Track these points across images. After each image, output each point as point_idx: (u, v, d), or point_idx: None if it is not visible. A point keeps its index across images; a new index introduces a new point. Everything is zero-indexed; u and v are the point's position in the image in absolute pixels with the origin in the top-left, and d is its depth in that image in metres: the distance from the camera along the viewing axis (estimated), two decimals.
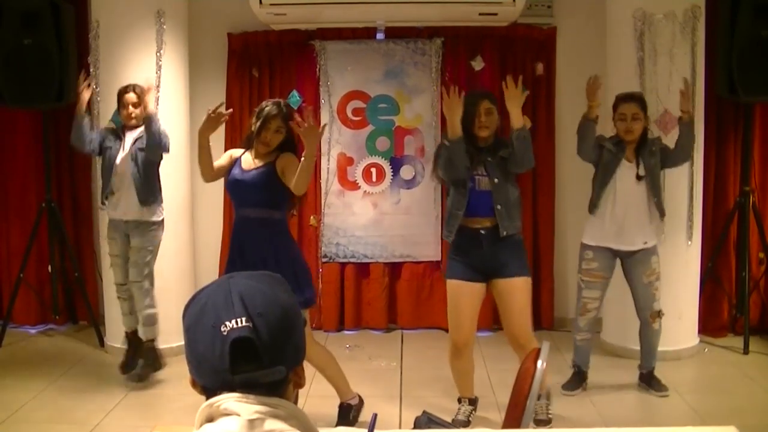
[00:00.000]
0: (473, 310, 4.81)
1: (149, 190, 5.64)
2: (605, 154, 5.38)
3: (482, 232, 4.70)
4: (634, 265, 5.40)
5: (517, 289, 4.71)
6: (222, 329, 1.48)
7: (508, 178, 4.71)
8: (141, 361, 5.77)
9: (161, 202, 5.74)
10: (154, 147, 5.55)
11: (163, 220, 5.74)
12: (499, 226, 4.66)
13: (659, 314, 5.43)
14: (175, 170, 6.28)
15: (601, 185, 5.38)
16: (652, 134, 5.83)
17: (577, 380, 5.55)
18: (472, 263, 4.75)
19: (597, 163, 5.43)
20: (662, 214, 5.41)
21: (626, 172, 5.34)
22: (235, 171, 4.70)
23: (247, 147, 4.76)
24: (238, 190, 4.72)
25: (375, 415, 1.90)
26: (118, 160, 5.61)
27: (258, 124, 4.58)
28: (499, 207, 4.66)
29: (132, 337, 5.86)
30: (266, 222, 4.67)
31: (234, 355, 1.47)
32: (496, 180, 4.68)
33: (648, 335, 5.53)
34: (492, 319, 6.83)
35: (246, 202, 4.69)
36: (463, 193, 4.72)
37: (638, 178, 5.29)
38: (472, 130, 4.68)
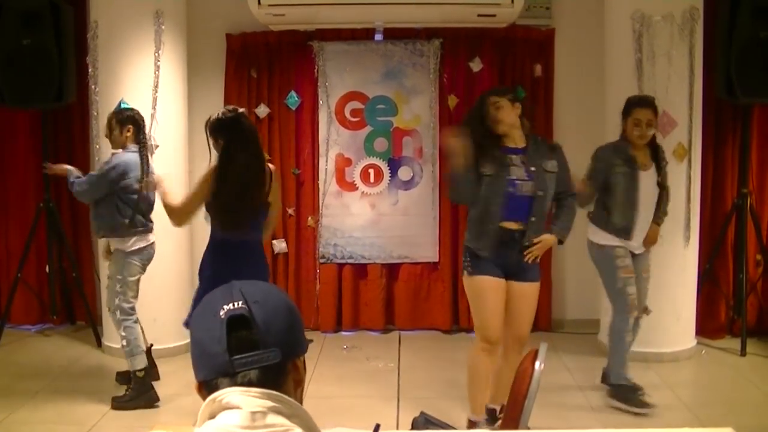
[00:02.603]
0: (500, 305, 4.65)
1: None
2: (618, 178, 5.26)
3: (515, 234, 4.60)
4: (639, 261, 5.39)
5: (532, 293, 4.71)
6: (220, 313, 1.53)
7: (549, 192, 4.62)
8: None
9: None
10: None
11: None
12: (526, 235, 4.60)
13: (646, 310, 5.43)
14: (172, 171, 6.27)
15: (629, 208, 5.28)
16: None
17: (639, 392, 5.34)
18: (496, 261, 4.62)
19: (606, 186, 5.30)
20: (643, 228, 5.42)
21: (646, 182, 5.29)
22: None
23: None
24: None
25: (378, 426, 1.90)
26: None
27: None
28: (533, 219, 4.60)
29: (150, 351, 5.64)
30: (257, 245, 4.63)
31: (230, 336, 1.50)
32: (540, 192, 4.59)
33: (635, 331, 5.44)
34: None
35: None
36: (499, 204, 4.57)
37: (659, 185, 5.34)
38: (490, 128, 4.61)
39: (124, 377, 5.56)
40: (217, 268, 4.41)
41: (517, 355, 4.53)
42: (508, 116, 4.59)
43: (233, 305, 1.53)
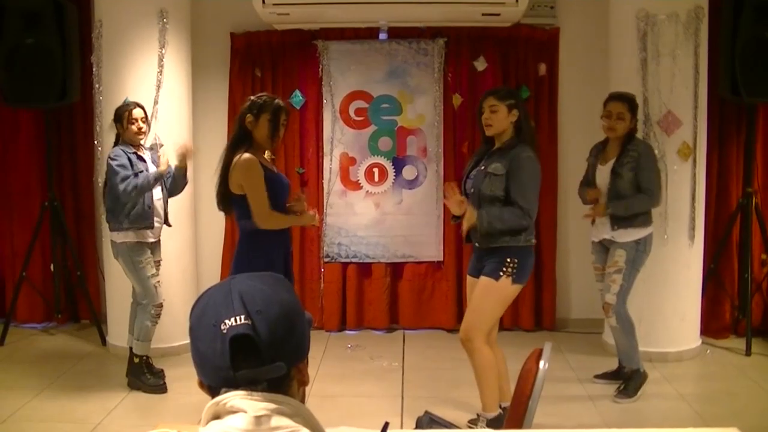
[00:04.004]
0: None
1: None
2: (588, 171, 5.69)
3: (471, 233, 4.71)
4: (609, 254, 5.49)
5: (478, 287, 4.66)
6: (222, 327, 1.50)
7: (484, 192, 4.57)
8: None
9: None
10: (180, 189, 5.68)
11: None
12: (472, 236, 4.70)
13: (609, 308, 5.41)
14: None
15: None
16: (652, 136, 5.85)
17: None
18: (472, 259, 4.83)
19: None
20: (613, 223, 5.39)
21: (601, 175, 5.49)
22: (274, 175, 4.54)
23: (247, 147, 4.48)
24: (284, 194, 4.62)
25: (387, 424, 1.89)
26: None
27: (273, 122, 4.46)
28: None
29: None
30: None
31: (234, 353, 1.49)
32: (472, 190, 4.66)
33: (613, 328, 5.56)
34: None
35: (285, 204, 4.64)
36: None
37: (612, 171, 5.38)
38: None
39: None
40: (280, 249, 4.54)
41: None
42: (499, 123, 4.61)
43: (235, 320, 1.50)
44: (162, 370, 5.63)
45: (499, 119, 4.59)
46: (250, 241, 4.50)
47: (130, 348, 5.62)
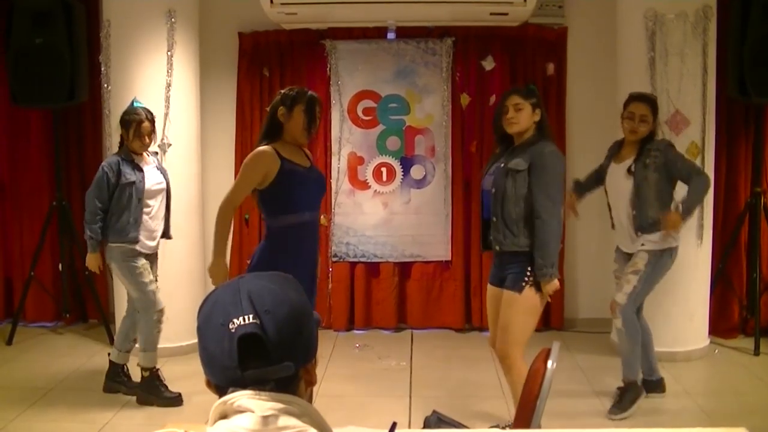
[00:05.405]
0: (493, 313, 4.68)
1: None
2: (602, 170, 5.47)
3: (489, 234, 4.57)
4: (632, 258, 5.32)
5: (503, 303, 4.49)
6: (230, 326, 1.50)
7: (508, 191, 4.42)
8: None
9: None
10: None
11: None
12: (492, 239, 4.53)
13: (617, 307, 5.20)
14: (185, 170, 6.29)
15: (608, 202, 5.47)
16: (662, 135, 5.80)
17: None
18: (493, 266, 4.67)
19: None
20: (637, 228, 5.16)
21: (614, 174, 5.30)
22: (298, 169, 4.33)
23: (273, 140, 4.32)
24: (310, 191, 4.42)
25: (394, 424, 1.89)
26: (152, 190, 5.31)
27: (308, 113, 4.30)
28: (494, 219, 4.49)
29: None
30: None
31: (242, 352, 1.49)
32: (494, 189, 4.50)
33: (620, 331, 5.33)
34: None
35: (315, 204, 4.46)
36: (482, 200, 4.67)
37: (628, 171, 5.16)
38: (504, 127, 4.54)
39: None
40: (302, 251, 4.37)
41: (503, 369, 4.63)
42: (524, 121, 4.49)
43: (243, 320, 1.50)
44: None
45: (524, 117, 4.48)
46: (278, 240, 4.36)
47: (111, 362, 5.53)
